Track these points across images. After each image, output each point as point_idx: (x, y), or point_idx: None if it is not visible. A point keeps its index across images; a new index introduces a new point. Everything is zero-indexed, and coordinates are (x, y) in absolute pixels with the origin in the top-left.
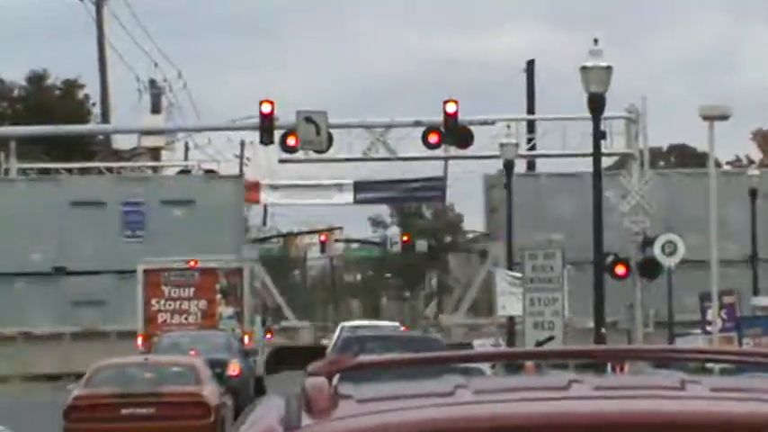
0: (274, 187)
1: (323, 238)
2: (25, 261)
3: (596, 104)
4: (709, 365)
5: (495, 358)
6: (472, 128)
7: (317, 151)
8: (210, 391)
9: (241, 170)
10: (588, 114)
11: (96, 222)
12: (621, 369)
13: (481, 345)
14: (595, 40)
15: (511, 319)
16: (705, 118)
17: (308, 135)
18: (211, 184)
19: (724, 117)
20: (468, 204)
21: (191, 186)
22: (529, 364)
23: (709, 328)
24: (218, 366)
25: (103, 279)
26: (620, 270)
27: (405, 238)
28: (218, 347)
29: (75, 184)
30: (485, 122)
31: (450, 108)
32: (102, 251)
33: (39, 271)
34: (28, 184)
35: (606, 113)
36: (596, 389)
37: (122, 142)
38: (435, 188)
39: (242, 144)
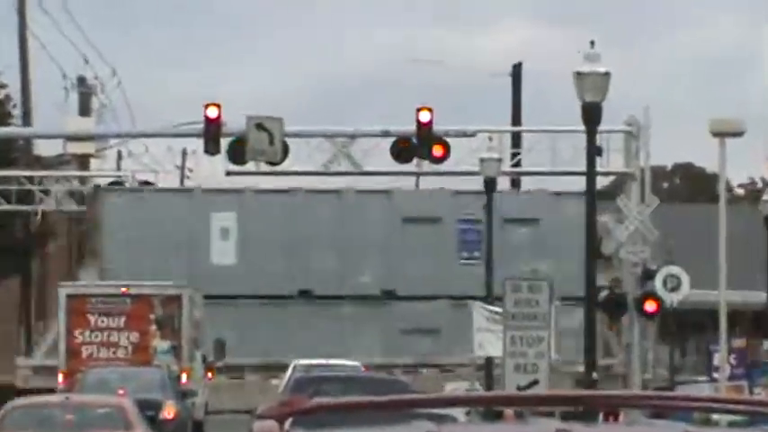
0: None
1: None
2: (354, 283)
3: (591, 115)
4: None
5: (469, 403)
6: (449, 139)
7: (269, 163)
8: None
9: (182, 183)
10: (582, 127)
11: (429, 240)
12: (615, 419)
13: (455, 389)
14: (592, 43)
15: (489, 360)
16: (715, 134)
17: (259, 144)
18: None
19: (737, 134)
20: None
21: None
22: (508, 410)
23: (716, 375)
24: (150, 408)
25: (437, 305)
26: (616, 308)
27: None
28: (152, 386)
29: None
30: (463, 134)
31: (424, 117)
32: (436, 273)
33: (367, 294)
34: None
35: (603, 126)
36: None
37: (46, 148)
38: None
39: (183, 153)
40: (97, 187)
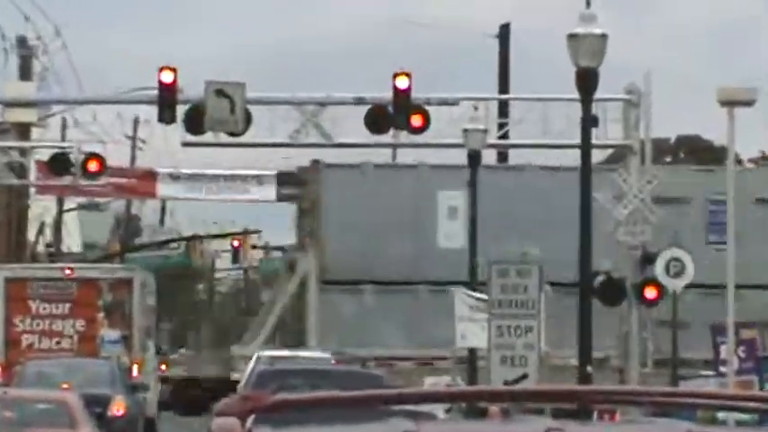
0: (175, 177)
1: (236, 243)
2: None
3: (587, 82)
4: (721, 415)
5: (451, 399)
6: (429, 108)
7: (230, 133)
8: None
9: (133, 155)
10: (577, 95)
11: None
12: (612, 417)
13: (434, 384)
14: (587, 2)
15: (472, 352)
16: (724, 104)
17: (219, 112)
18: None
19: (747, 103)
20: None
21: None
22: (493, 407)
23: (723, 369)
24: (97, 404)
25: None
26: (613, 294)
27: None
28: (99, 380)
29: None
30: (445, 102)
31: (402, 83)
32: None
33: None
34: None
35: (599, 94)
36: None
37: None
38: None
39: (135, 122)
40: (315, 162)
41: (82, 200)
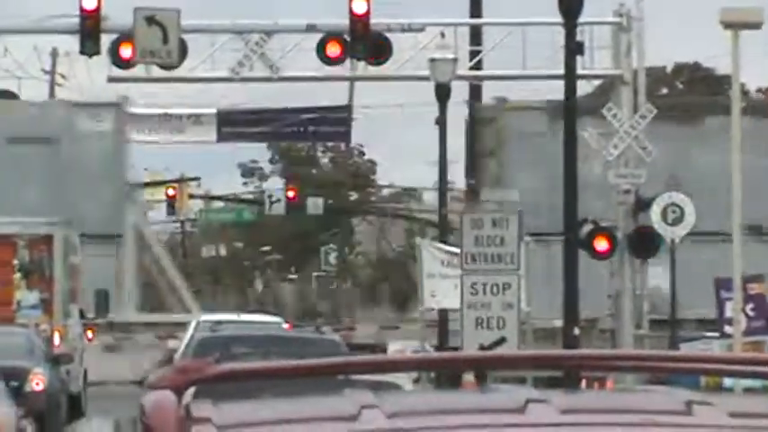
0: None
1: (171, 192)
2: None
3: (570, 3)
4: (728, 381)
5: (418, 366)
6: (390, 36)
7: (163, 67)
8: (2, 414)
9: (52, 91)
10: (559, 18)
11: None
12: (602, 385)
13: (399, 351)
14: None
15: (443, 313)
16: (727, 26)
17: (150, 43)
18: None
19: (754, 25)
20: (384, 147)
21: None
22: (467, 376)
23: (728, 329)
24: (13, 378)
25: None
26: (601, 245)
27: (291, 194)
28: (15, 351)
29: None
30: (409, 28)
31: (359, 7)
32: None
33: None
34: None
35: (585, 17)
36: (564, 412)
37: None
38: (336, 122)
39: (53, 54)
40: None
41: None
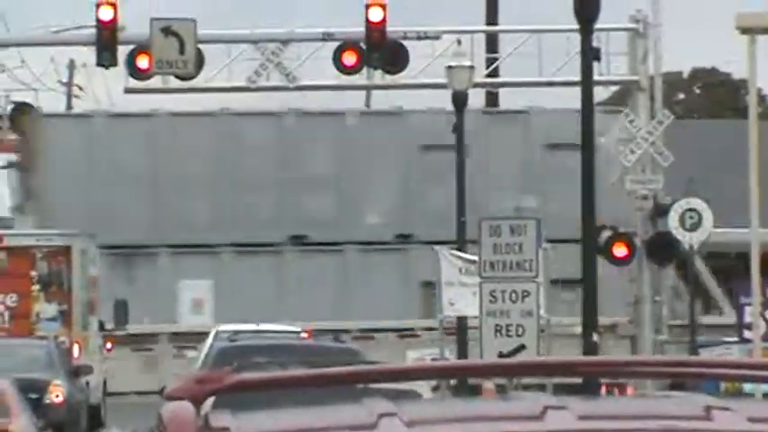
0: None
1: None
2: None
3: (587, 9)
4: (748, 387)
5: (437, 375)
6: (407, 44)
7: (180, 77)
8: (22, 427)
9: (69, 104)
10: (575, 24)
11: None
12: (622, 391)
13: (419, 359)
14: None
15: (462, 320)
16: (744, 31)
17: (167, 54)
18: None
19: None
20: None
21: None
22: (487, 384)
23: (748, 335)
24: (34, 390)
25: None
26: (620, 251)
27: None
28: (35, 363)
29: None
30: (425, 36)
31: (375, 15)
32: None
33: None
34: None
35: (601, 23)
36: (583, 419)
37: None
38: None
39: (71, 66)
40: None
41: (11, 156)
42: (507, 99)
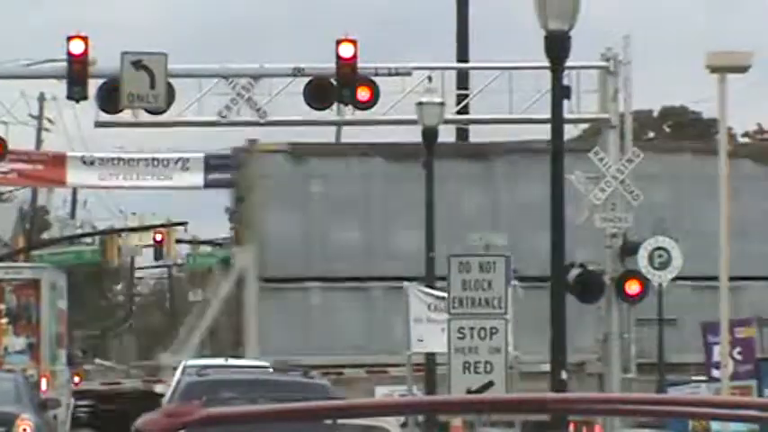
0: (88, 162)
1: (158, 237)
2: None
3: (557, 47)
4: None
5: (406, 410)
6: (377, 80)
7: (151, 111)
8: None
9: (39, 137)
10: (546, 62)
11: None
12: (590, 429)
13: (387, 394)
14: None
15: (430, 357)
16: (714, 70)
17: (138, 87)
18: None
19: (741, 69)
20: None
21: None
22: (455, 420)
23: (716, 374)
24: (1, 424)
25: None
26: (589, 289)
27: None
28: (2, 396)
29: None
30: (396, 72)
31: (346, 51)
32: None
33: None
34: None
35: (572, 61)
36: None
37: None
38: None
39: (41, 99)
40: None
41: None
42: (477, 135)
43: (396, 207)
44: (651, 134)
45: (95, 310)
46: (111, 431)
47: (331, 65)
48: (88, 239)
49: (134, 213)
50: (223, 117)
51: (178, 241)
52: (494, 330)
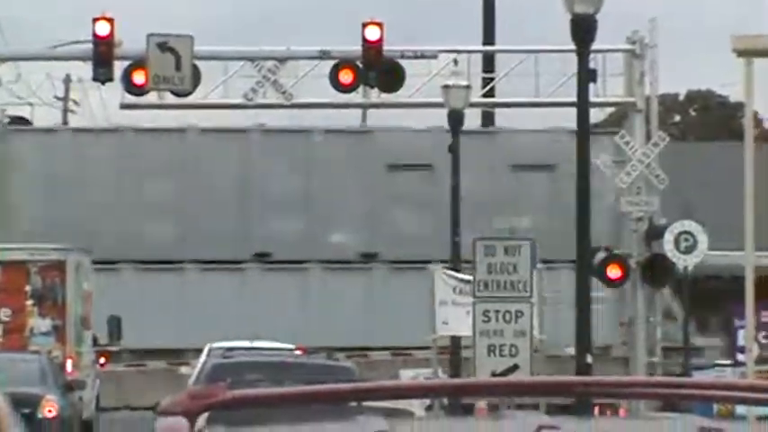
0: None
1: None
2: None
3: (583, 31)
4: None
5: (430, 393)
6: (403, 63)
7: (176, 93)
8: None
9: (65, 119)
10: (572, 45)
11: None
12: (614, 412)
13: (413, 378)
14: None
15: (455, 340)
16: (740, 54)
17: (163, 69)
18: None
19: (767, 53)
20: None
21: None
22: (480, 403)
23: (741, 357)
24: (26, 405)
25: None
26: (614, 272)
27: None
28: (28, 377)
29: None
30: (422, 55)
31: (372, 34)
32: None
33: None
34: None
35: (598, 45)
36: None
37: None
38: None
39: (67, 81)
40: None
41: None
42: (502, 118)
43: None
44: (677, 118)
45: None
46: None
47: (357, 48)
48: None
49: None
50: (249, 99)
51: None
52: (519, 314)
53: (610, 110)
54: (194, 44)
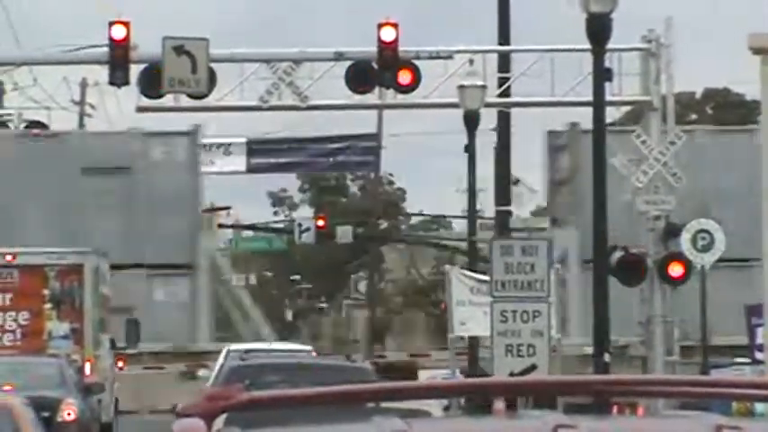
0: None
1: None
2: None
3: (599, 30)
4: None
5: (448, 393)
6: (419, 63)
7: (192, 96)
8: None
9: (81, 123)
10: (588, 45)
11: None
12: (632, 410)
13: (430, 378)
14: None
15: (473, 340)
16: (756, 51)
17: (179, 72)
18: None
19: None
20: (413, 174)
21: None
22: (498, 403)
23: (760, 356)
24: (45, 408)
25: None
26: (632, 272)
27: (320, 223)
28: (47, 381)
29: None
30: (437, 55)
31: (388, 35)
32: None
33: None
34: None
35: (614, 44)
36: None
37: None
38: (365, 151)
39: (83, 85)
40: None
41: None
42: (518, 118)
43: None
44: (693, 116)
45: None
46: None
47: (372, 48)
48: None
49: None
50: (264, 102)
51: (220, 226)
52: (536, 313)
53: (626, 109)
54: (210, 47)
